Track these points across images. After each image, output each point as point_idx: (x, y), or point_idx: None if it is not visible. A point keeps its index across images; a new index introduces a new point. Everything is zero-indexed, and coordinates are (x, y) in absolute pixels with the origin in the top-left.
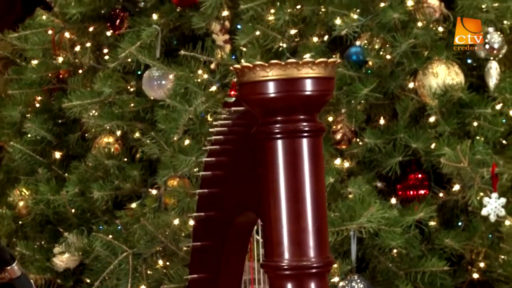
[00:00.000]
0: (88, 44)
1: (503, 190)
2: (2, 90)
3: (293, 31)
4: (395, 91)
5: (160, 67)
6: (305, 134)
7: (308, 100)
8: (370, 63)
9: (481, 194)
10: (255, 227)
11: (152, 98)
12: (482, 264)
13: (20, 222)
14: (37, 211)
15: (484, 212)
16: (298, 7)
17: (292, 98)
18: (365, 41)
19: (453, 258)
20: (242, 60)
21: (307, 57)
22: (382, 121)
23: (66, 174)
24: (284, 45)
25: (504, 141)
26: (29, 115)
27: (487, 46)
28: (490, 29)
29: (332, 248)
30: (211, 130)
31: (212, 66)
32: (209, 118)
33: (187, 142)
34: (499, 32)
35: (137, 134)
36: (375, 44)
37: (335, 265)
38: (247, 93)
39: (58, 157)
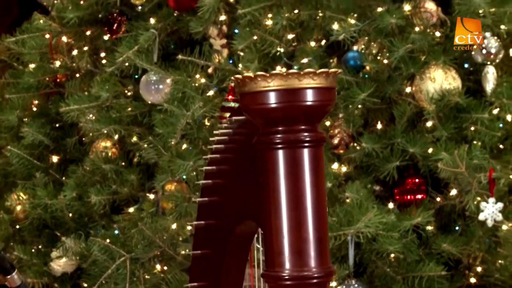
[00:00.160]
0: (86, 48)
1: (500, 194)
2: None
3: (290, 36)
4: (393, 95)
5: (158, 72)
6: (306, 144)
7: (309, 110)
8: (367, 68)
9: (478, 198)
10: (255, 235)
11: (149, 102)
12: (479, 269)
13: (17, 226)
14: (35, 215)
15: (481, 217)
16: (296, 11)
17: (293, 108)
18: (363, 46)
19: (450, 262)
20: (240, 65)
21: (304, 61)
22: (379, 126)
23: (64, 178)
24: (282, 50)
25: (501, 146)
26: (26, 119)
27: (484, 51)
28: (487, 34)
29: (330, 253)
30: (211, 139)
31: (210, 70)
32: (207, 123)
33: (184, 146)
34: (496, 37)
35: (134, 139)
36: (373, 49)
37: None
38: (248, 103)
39: (55, 161)
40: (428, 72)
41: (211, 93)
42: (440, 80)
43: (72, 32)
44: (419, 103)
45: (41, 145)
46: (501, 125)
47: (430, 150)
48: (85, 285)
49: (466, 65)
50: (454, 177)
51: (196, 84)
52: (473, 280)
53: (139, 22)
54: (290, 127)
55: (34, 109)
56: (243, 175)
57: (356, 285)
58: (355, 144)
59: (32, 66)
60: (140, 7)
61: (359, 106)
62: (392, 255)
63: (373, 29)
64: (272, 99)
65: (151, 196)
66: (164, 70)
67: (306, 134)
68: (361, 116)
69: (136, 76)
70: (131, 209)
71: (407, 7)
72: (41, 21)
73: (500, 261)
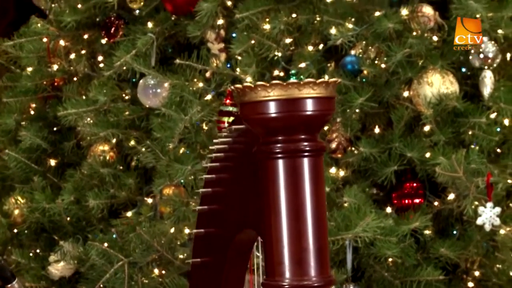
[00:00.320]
0: (83, 52)
1: (498, 199)
2: None
3: (288, 40)
4: (390, 100)
5: (155, 76)
6: (306, 154)
7: (309, 120)
8: (365, 72)
9: (476, 203)
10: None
11: (147, 106)
12: (477, 273)
13: (15, 230)
14: (33, 219)
15: (479, 221)
16: (293, 16)
17: (293, 118)
18: (360, 50)
19: (448, 267)
20: (237, 69)
21: (302, 66)
22: (377, 130)
23: (62, 182)
24: (279, 54)
25: (498, 150)
26: (24, 122)
27: (481, 55)
28: (485, 39)
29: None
30: (211, 147)
31: (208, 74)
32: (205, 127)
33: (182, 150)
34: (493, 42)
35: (132, 142)
36: (370, 54)
37: None
38: (248, 112)
39: (53, 165)
40: (426, 76)
41: (209, 97)
42: (438, 84)
43: (69, 36)
44: (416, 108)
45: (39, 148)
46: (498, 129)
47: (427, 155)
48: None
49: (463, 70)
50: (452, 181)
51: (194, 88)
52: (471, 284)
53: (136, 26)
54: (290, 137)
55: (32, 112)
56: (243, 183)
57: None
58: (353, 149)
59: (29, 69)
60: (137, 11)
61: (357, 110)
62: (390, 259)
63: (371, 33)
64: (272, 108)
65: (149, 200)
66: (162, 74)
67: (306, 143)
68: (358, 120)
69: (134, 80)
70: (129, 213)
71: (404, 12)
72: (39, 25)
73: (498, 266)
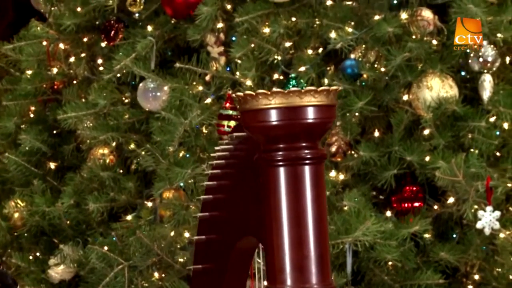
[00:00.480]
0: (83, 55)
1: (497, 203)
2: None
3: (287, 44)
4: (390, 104)
5: (155, 79)
6: (307, 162)
7: (310, 128)
8: (364, 76)
9: (476, 207)
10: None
11: (147, 109)
12: (477, 277)
13: (15, 234)
14: (33, 222)
15: (478, 225)
16: (293, 20)
17: (294, 126)
18: (360, 54)
19: (448, 270)
20: (237, 73)
21: (302, 69)
22: (377, 134)
23: (62, 186)
24: (279, 58)
25: (498, 154)
26: (23, 126)
27: (481, 59)
28: (484, 42)
29: None
30: (212, 154)
31: (207, 78)
32: (204, 130)
33: (182, 154)
34: (492, 45)
35: (132, 146)
36: (370, 57)
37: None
38: (250, 120)
39: (53, 168)
40: (425, 80)
41: (208, 100)
42: (437, 88)
43: (69, 39)
44: (416, 111)
45: (39, 152)
46: (498, 133)
47: (427, 158)
48: None
49: (463, 73)
50: (451, 185)
51: (194, 92)
52: None
53: (136, 29)
54: (291, 145)
55: (32, 116)
56: (244, 191)
57: None
58: (353, 152)
59: (29, 73)
60: (137, 15)
61: (357, 114)
62: (390, 263)
63: (370, 37)
64: (274, 116)
65: (149, 204)
66: (161, 77)
67: (307, 151)
68: (358, 124)
69: (134, 83)
70: (129, 217)
71: (404, 16)
72: (39, 28)
73: (497, 269)
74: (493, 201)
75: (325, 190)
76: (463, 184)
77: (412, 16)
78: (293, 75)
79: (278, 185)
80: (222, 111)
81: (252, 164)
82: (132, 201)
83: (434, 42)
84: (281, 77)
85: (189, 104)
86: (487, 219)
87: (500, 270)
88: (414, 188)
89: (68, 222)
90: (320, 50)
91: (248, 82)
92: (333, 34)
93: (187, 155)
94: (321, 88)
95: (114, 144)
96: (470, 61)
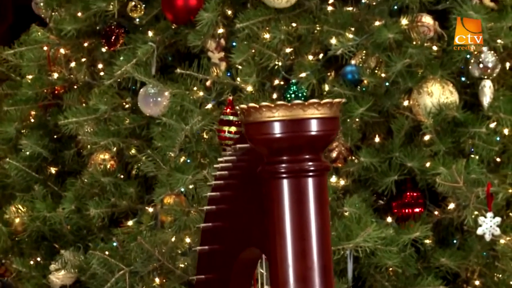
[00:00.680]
0: (83, 60)
1: (498, 209)
2: None
3: (288, 50)
4: (390, 109)
5: (156, 84)
6: (311, 174)
7: (313, 140)
8: (365, 82)
9: (476, 213)
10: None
11: (148, 115)
12: (477, 283)
13: (16, 239)
14: (33, 228)
15: (479, 231)
16: (294, 25)
17: (297, 138)
18: (360, 60)
19: (448, 276)
20: (238, 78)
21: (302, 75)
22: (377, 140)
23: (62, 191)
24: (280, 64)
25: (498, 160)
26: (24, 131)
27: (481, 65)
28: (484, 48)
29: None
30: (215, 166)
31: (208, 83)
32: (205, 136)
33: (183, 159)
34: (492, 51)
35: (133, 151)
36: (370, 63)
37: None
38: (253, 132)
39: (53, 173)
40: (426, 86)
41: (209, 106)
42: (438, 94)
43: (70, 44)
44: (416, 117)
45: (40, 157)
46: (498, 139)
47: (428, 164)
48: None
49: (463, 79)
50: (452, 191)
51: (195, 97)
52: None
53: (137, 34)
54: (294, 157)
55: (32, 121)
56: (247, 202)
57: None
58: (353, 158)
59: (30, 78)
60: (138, 20)
61: (357, 120)
62: (391, 269)
63: (371, 43)
64: (277, 129)
65: (150, 209)
66: (162, 83)
67: (310, 163)
68: (359, 130)
69: (134, 89)
70: (130, 222)
71: (404, 22)
72: (39, 33)
73: (498, 275)
74: (494, 207)
75: (328, 202)
76: (464, 190)
77: (412, 22)
78: (293, 81)
79: (281, 197)
80: (223, 116)
81: (255, 175)
82: (133, 206)
83: (435, 48)
84: (282, 83)
85: (190, 109)
86: (488, 225)
87: (500, 276)
88: (415, 194)
89: (69, 227)
90: (321, 56)
91: (249, 88)
92: (333, 40)
93: (188, 161)
94: (324, 101)
95: (115, 149)
96: (470, 67)
